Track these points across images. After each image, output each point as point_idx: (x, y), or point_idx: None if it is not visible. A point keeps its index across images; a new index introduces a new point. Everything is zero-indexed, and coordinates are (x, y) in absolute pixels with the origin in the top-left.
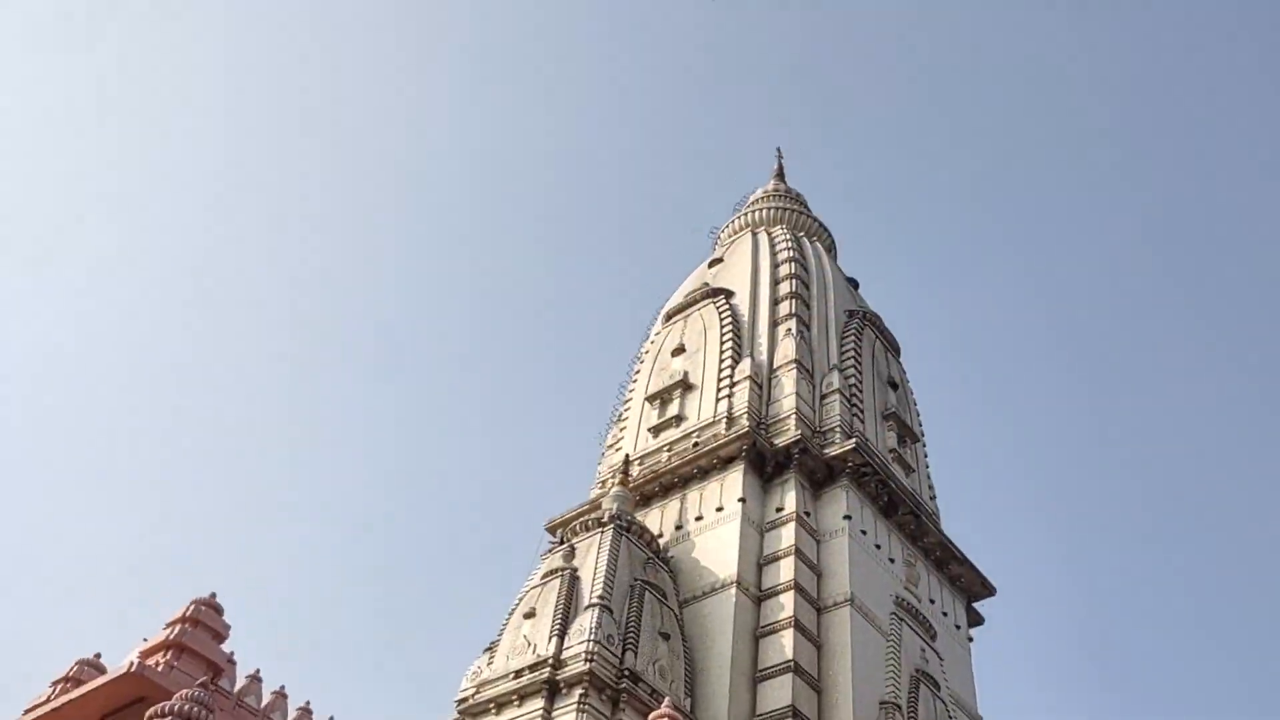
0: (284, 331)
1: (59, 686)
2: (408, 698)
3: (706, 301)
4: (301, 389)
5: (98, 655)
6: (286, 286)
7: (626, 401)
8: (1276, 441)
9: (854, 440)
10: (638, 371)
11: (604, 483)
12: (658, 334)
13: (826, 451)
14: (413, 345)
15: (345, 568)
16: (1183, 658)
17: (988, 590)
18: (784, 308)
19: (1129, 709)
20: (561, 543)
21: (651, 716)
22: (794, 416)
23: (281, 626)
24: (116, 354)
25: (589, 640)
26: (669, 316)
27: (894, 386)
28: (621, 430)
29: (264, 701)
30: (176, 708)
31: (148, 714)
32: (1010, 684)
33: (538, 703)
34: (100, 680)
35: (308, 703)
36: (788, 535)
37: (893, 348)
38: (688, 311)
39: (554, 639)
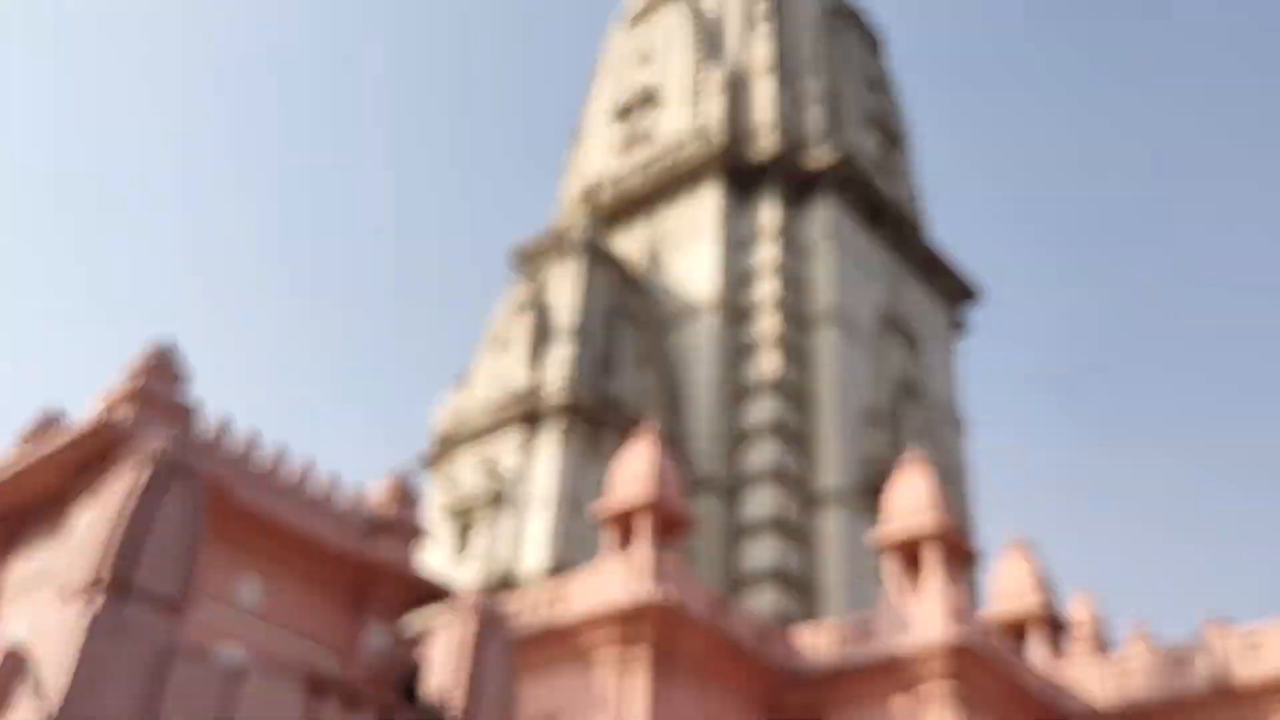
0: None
1: (25, 444)
2: (375, 436)
3: (671, 2)
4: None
5: (60, 412)
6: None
7: (587, 119)
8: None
9: (837, 150)
10: (598, 85)
11: (569, 208)
12: (618, 41)
13: (806, 162)
14: (372, 75)
15: (307, 305)
16: (1163, 365)
17: (971, 295)
18: (760, 8)
19: (1108, 410)
20: (528, 272)
21: (632, 440)
22: (771, 125)
23: (245, 371)
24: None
25: (568, 370)
26: (632, 22)
27: (877, 88)
28: (584, 151)
29: (235, 447)
30: (153, 452)
31: (127, 460)
32: (995, 389)
33: (517, 434)
34: (67, 437)
35: (280, 447)
36: (768, 251)
37: (876, 44)
38: (650, 15)
39: (532, 369)
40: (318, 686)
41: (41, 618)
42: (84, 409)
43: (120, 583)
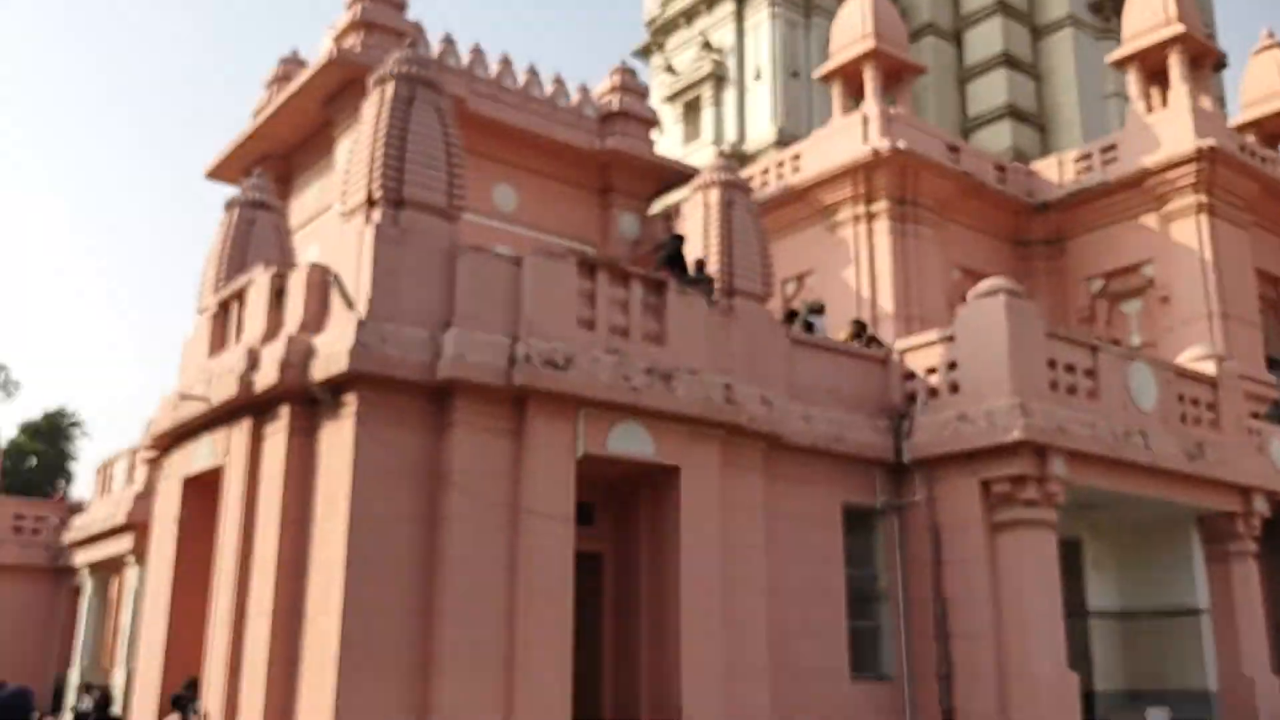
0: None
1: (272, 88)
2: (583, 35)
3: None
4: None
5: (295, 52)
6: None
7: None
8: None
9: None
10: None
11: None
12: None
13: None
14: None
15: None
16: None
17: None
18: None
19: None
20: None
21: None
22: None
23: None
24: None
25: None
26: None
27: None
28: None
29: (462, 63)
30: (393, 71)
31: (371, 81)
32: None
33: (730, 2)
34: (307, 73)
35: (503, 56)
36: None
37: None
38: None
39: None
40: (589, 266)
41: (330, 242)
42: (317, 49)
43: (392, 196)
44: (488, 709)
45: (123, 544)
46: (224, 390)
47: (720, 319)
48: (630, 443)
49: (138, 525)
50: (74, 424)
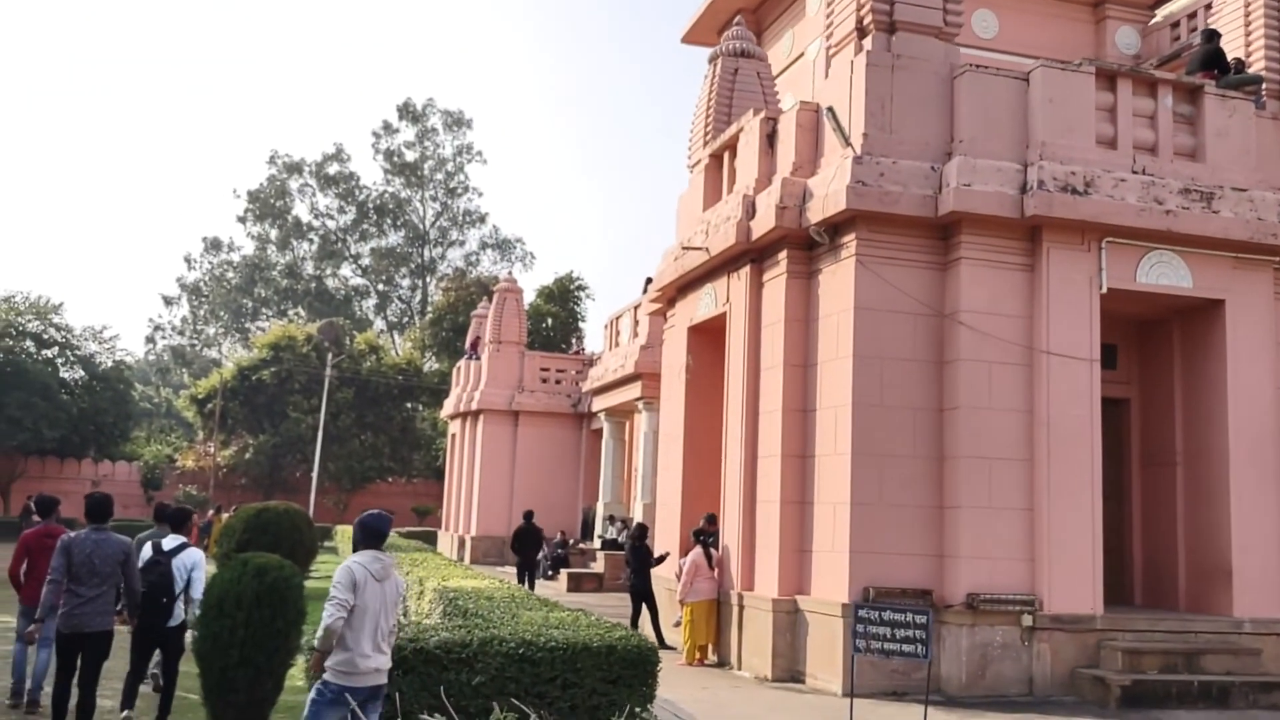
0: None
1: None
2: None
3: None
4: None
5: None
6: None
7: None
8: None
9: None
10: None
11: None
12: None
13: None
14: None
15: None
16: None
17: None
18: None
19: None
20: None
21: None
22: None
23: None
24: None
25: None
26: None
27: None
28: None
29: None
30: None
31: None
32: None
33: None
34: None
35: None
36: None
37: None
38: None
39: None
40: (1107, 76)
41: (806, 91)
42: None
43: (884, 20)
44: (1007, 555)
45: (632, 392)
46: (722, 239)
47: (1271, 127)
48: (1162, 274)
49: (644, 375)
50: (580, 287)
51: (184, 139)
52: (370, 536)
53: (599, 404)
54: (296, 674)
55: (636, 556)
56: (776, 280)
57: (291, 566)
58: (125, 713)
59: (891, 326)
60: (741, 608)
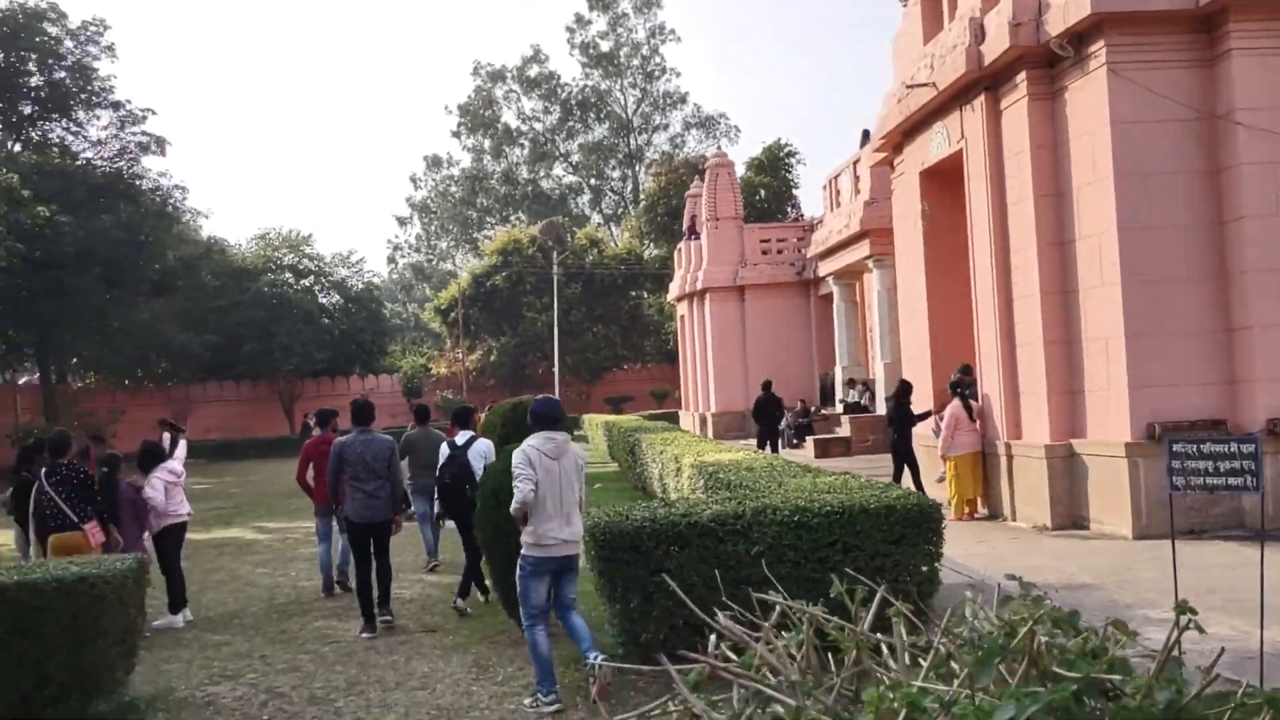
0: None
1: None
2: None
3: None
4: None
5: None
6: None
7: None
8: None
9: None
10: None
11: None
12: None
13: None
14: None
15: None
16: None
17: None
18: None
19: None
20: None
21: None
22: None
23: None
24: None
25: None
26: None
27: None
28: None
29: None
30: None
31: None
32: None
33: None
34: None
35: None
36: None
37: None
38: None
39: None
40: None
41: None
42: None
43: None
44: None
45: (859, 251)
46: (950, 70)
47: None
48: None
49: (871, 232)
50: (790, 154)
51: (396, 61)
52: (539, 420)
53: (825, 268)
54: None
55: (899, 415)
56: (1016, 106)
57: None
58: (459, 600)
59: (1153, 138)
60: (1010, 457)
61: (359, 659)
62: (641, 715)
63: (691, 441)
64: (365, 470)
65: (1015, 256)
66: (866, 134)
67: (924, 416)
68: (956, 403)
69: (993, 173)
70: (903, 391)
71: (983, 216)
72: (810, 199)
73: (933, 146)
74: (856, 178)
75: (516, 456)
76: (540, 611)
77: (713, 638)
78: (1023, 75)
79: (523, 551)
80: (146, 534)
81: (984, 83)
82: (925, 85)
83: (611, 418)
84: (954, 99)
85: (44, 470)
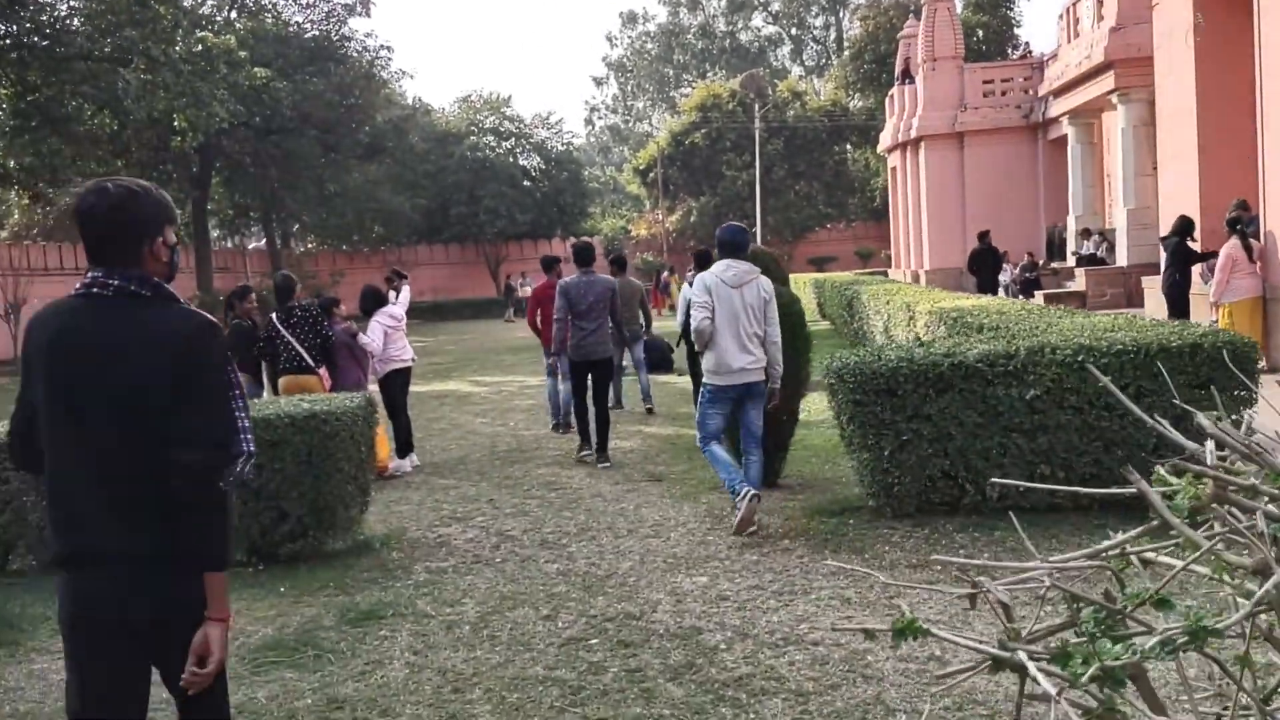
0: None
1: None
2: None
3: None
4: None
5: None
6: None
7: None
8: None
9: None
10: None
11: None
12: None
13: None
14: None
15: None
16: None
17: None
18: None
19: None
20: None
21: None
22: None
23: None
24: None
25: None
26: None
27: None
28: None
29: None
30: None
31: None
32: None
33: None
34: None
35: None
36: None
37: None
38: None
39: None
40: None
41: None
42: None
43: None
44: None
45: (1102, 85)
46: None
47: None
48: None
49: (1117, 63)
50: None
51: None
52: (724, 248)
53: (1059, 107)
54: (816, 406)
55: (1179, 255)
56: None
57: (793, 294)
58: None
59: None
60: None
61: (586, 505)
62: (1093, 554)
63: (919, 291)
64: (586, 309)
65: None
66: None
67: (1209, 256)
68: (1234, 241)
69: None
70: (1184, 229)
71: (1275, 20)
72: (1036, 38)
73: None
74: (1100, 2)
75: (696, 285)
76: (713, 435)
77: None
78: None
79: (704, 380)
80: (372, 377)
81: None
82: None
83: (820, 275)
84: None
85: (275, 314)
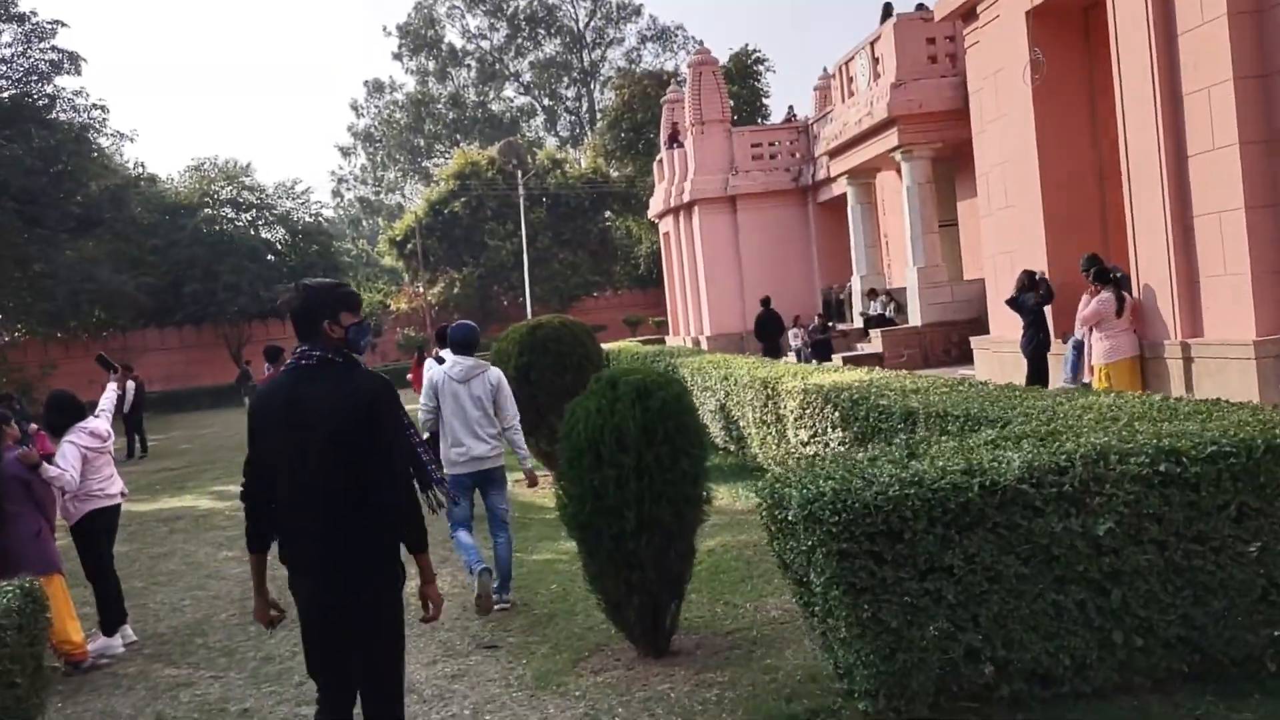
0: None
1: None
2: None
3: None
4: None
5: None
6: None
7: None
8: None
9: None
10: None
11: None
12: None
13: None
14: None
15: None
16: None
17: None
18: None
19: None
20: None
21: None
22: None
23: None
24: None
25: None
26: None
27: None
28: None
29: None
30: None
31: None
32: None
33: None
34: None
35: None
36: None
37: None
38: None
39: None
40: None
41: None
42: None
43: None
44: None
45: (885, 143)
46: None
47: None
48: None
49: (900, 119)
50: (759, 60)
51: None
52: (455, 346)
53: (836, 167)
54: (710, 540)
55: (1039, 315)
56: None
57: (678, 382)
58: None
59: None
60: (1187, 360)
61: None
62: None
63: (747, 362)
64: None
65: (1191, 102)
66: (889, 7)
67: (1048, 300)
68: (1107, 295)
69: None
70: (1032, 284)
71: (1141, 53)
72: (780, 109)
73: None
74: (875, 59)
75: (425, 385)
76: (460, 522)
77: None
78: None
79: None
80: (63, 523)
81: None
82: None
83: (613, 345)
84: None
85: None
